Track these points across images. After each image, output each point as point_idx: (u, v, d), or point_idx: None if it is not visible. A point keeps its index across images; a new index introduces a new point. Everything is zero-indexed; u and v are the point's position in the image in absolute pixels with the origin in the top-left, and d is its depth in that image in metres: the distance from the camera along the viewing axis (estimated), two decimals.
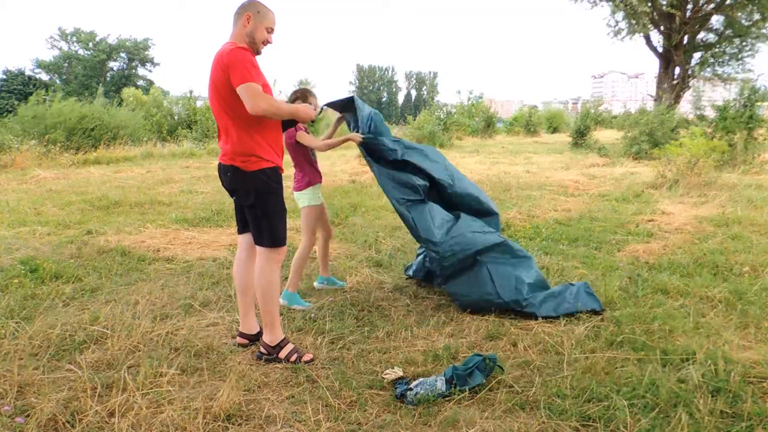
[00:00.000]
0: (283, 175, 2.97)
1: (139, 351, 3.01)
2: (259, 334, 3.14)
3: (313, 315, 3.55)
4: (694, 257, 4.81)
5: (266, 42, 2.87)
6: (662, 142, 13.31)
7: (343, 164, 12.91)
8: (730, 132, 11.70)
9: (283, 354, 2.93)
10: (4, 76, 38.87)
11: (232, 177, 2.86)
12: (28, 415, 2.34)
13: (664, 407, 2.44)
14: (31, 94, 16.02)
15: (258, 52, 2.86)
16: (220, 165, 2.93)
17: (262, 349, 2.96)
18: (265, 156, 2.82)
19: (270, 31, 2.88)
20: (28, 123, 14.61)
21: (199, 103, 22.64)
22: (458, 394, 2.57)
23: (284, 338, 3.00)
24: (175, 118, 22.17)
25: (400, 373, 2.73)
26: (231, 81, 2.67)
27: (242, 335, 3.17)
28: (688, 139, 10.10)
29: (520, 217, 6.51)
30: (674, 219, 6.35)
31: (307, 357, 2.96)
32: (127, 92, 26.44)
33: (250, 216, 2.92)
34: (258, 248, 2.95)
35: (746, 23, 21.12)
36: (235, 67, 2.65)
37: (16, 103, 15.74)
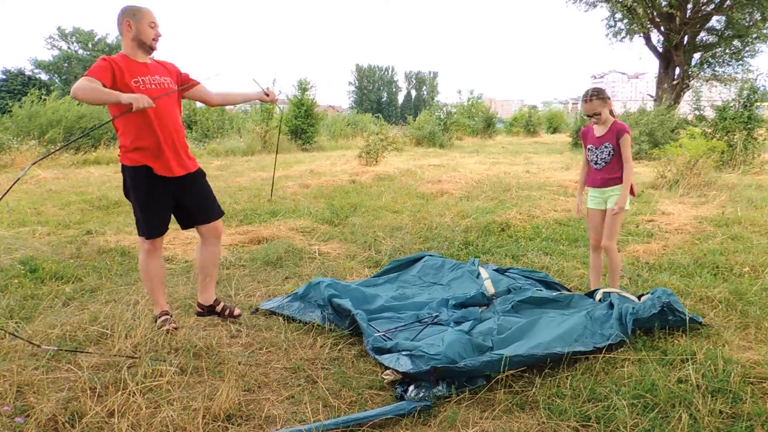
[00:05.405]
0: None
1: (139, 351, 3.01)
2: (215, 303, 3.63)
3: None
4: (694, 257, 4.81)
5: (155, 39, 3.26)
6: (662, 142, 13.34)
7: (343, 164, 12.91)
8: (729, 132, 11.72)
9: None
10: (4, 76, 38.85)
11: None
12: (27, 415, 2.34)
13: (664, 407, 2.44)
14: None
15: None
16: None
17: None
18: None
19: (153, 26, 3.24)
20: (23, 122, 14.60)
21: (198, 103, 22.61)
22: (458, 395, 2.57)
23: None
24: None
25: (400, 374, 2.72)
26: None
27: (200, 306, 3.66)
28: (687, 140, 10.11)
29: (520, 217, 6.51)
30: (674, 219, 6.35)
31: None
32: None
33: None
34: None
35: (746, 23, 21.13)
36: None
37: (10, 103, 15.72)
